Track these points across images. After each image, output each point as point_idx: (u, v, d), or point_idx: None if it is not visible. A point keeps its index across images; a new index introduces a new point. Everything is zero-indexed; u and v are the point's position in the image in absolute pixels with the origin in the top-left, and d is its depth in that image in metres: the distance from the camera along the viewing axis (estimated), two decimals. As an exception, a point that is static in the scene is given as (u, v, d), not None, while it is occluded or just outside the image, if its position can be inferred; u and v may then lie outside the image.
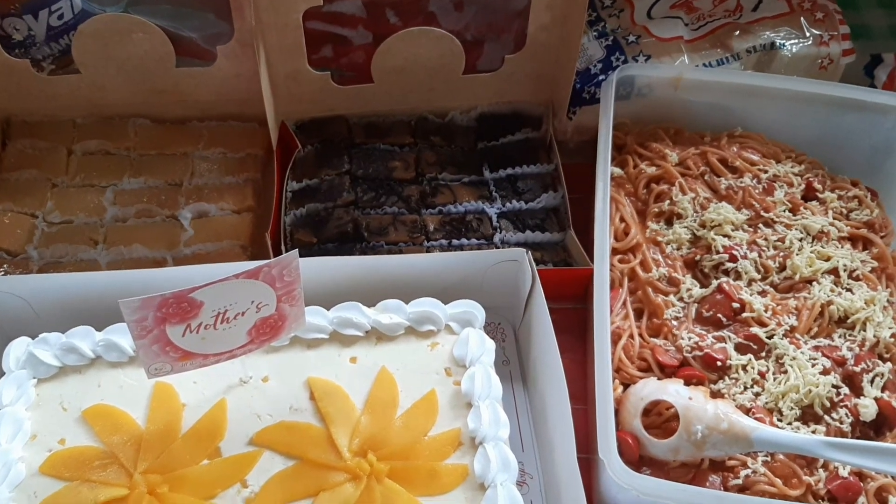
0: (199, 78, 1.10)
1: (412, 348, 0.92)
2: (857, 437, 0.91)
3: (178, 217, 1.06)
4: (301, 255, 1.02)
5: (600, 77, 1.14)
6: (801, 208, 1.08)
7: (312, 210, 1.07)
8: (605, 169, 1.02)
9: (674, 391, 0.88)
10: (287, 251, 1.01)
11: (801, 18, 1.19)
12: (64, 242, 1.03)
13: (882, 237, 1.07)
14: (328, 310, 0.92)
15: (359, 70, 1.09)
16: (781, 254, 1.03)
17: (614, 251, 1.02)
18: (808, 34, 1.18)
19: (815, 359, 0.94)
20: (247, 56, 1.08)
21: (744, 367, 0.93)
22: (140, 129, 1.13)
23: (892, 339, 0.97)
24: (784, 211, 1.07)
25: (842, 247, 1.04)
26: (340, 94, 1.11)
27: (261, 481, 0.82)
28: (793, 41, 1.18)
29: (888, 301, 1.00)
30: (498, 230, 1.07)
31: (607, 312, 0.92)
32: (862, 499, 0.87)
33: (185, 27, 1.08)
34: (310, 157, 1.12)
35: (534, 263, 0.94)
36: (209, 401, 0.86)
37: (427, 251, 1.04)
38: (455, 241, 1.05)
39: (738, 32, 1.18)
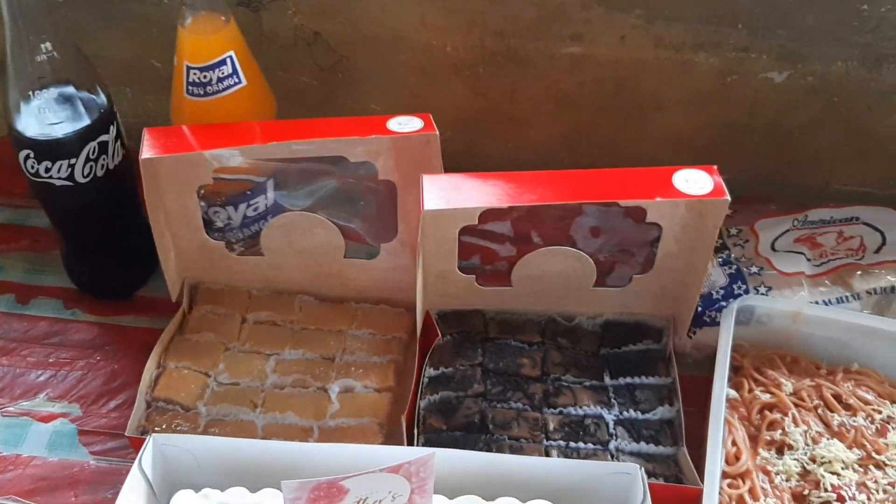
0: (362, 267, 1.27)
1: (525, 547, 1.00)
2: None
3: (327, 390, 1.20)
4: (430, 441, 1.13)
5: (722, 303, 1.23)
6: (915, 453, 1.11)
7: (445, 397, 1.18)
8: (720, 397, 1.09)
9: None
10: (418, 435, 1.13)
11: (924, 267, 1.25)
12: (228, 403, 1.17)
13: None
14: (450, 499, 1.01)
15: (500, 276, 1.22)
16: (891, 498, 1.05)
17: (724, 475, 1.08)
18: (930, 283, 1.24)
19: None
20: (405, 254, 1.25)
21: None
22: (304, 304, 1.30)
23: None
24: (896, 454, 1.10)
25: (956, 497, 1.06)
26: (481, 293, 1.24)
27: None
28: (914, 289, 1.24)
29: None
30: (613, 437, 1.14)
31: (713, 540, 0.97)
32: None
33: (357, 226, 1.25)
34: (447, 346, 1.24)
35: (646, 480, 1.01)
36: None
37: (546, 450, 1.12)
38: (572, 444, 1.13)
39: (859, 273, 1.25)
